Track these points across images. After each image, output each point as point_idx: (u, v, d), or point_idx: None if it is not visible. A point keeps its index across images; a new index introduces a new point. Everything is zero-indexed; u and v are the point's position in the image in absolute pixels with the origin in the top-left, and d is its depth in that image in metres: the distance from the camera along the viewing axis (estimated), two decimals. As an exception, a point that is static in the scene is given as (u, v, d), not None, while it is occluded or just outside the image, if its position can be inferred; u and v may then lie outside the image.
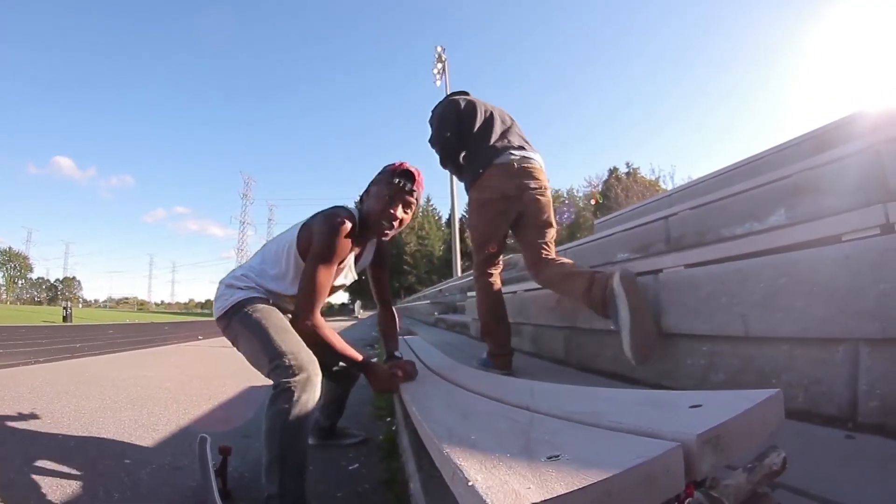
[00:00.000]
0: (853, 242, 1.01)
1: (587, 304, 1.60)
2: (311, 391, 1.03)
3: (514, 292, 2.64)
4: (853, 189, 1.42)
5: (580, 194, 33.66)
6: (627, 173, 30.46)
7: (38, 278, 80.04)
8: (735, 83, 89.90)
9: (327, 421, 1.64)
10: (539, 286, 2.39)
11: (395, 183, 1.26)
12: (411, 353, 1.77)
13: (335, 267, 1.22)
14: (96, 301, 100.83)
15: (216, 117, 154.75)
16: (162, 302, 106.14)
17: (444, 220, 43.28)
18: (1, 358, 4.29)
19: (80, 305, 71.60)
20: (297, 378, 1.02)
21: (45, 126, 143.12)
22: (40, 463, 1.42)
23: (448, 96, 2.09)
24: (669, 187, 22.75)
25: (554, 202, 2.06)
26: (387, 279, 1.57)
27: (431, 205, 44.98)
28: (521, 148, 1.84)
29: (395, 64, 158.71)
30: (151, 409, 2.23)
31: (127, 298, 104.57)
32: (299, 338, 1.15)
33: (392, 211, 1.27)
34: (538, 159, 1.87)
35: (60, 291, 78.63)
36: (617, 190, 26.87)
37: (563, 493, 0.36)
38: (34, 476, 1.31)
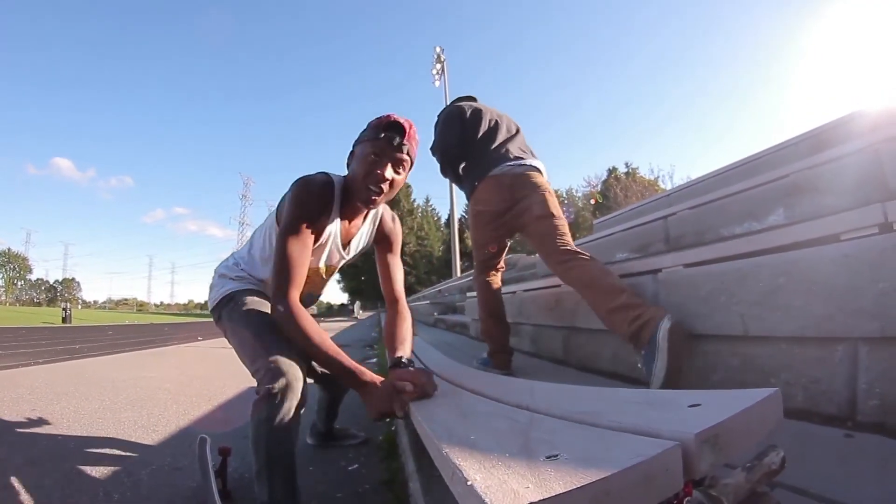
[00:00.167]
0: (852, 241, 1.01)
1: (618, 331, 1.42)
2: (291, 398, 0.94)
3: (514, 292, 2.64)
4: (852, 188, 1.42)
5: (579, 194, 33.74)
6: (627, 173, 30.43)
7: (38, 279, 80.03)
8: (735, 83, 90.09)
9: (322, 426, 1.62)
10: (538, 286, 2.40)
11: (382, 138, 1.04)
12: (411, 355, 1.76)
13: (308, 237, 1.04)
14: (96, 302, 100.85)
15: (216, 118, 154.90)
16: (161, 303, 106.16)
17: (443, 220, 43.31)
18: (1, 359, 4.29)
19: (80, 306, 71.70)
20: (275, 385, 0.93)
21: (44, 127, 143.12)
22: (40, 464, 1.42)
23: (454, 102, 2.05)
24: (668, 187, 22.73)
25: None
26: (397, 266, 1.29)
27: (431, 205, 45.10)
28: (518, 158, 1.81)
29: (394, 64, 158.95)
30: (151, 409, 2.22)
31: (126, 299, 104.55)
32: (282, 336, 1.01)
33: (379, 171, 1.04)
34: (537, 165, 1.84)
35: (60, 292, 78.53)
36: (616, 190, 26.83)
37: (561, 492, 0.36)
38: (34, 477, 1.31)
